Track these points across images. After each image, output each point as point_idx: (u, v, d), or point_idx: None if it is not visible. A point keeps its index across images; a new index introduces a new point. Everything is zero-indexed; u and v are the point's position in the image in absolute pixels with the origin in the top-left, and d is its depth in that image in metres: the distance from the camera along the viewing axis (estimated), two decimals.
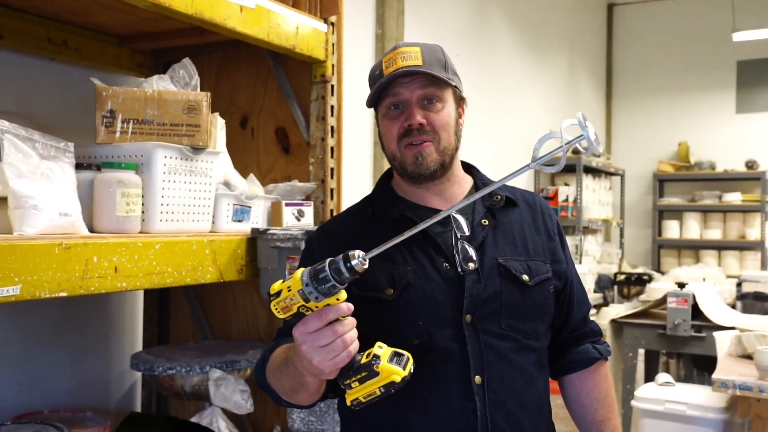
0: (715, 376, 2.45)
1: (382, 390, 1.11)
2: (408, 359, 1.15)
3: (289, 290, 1.08)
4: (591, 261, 6.50)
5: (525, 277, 1.39)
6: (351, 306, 1.11)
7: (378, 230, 1.39)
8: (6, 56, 2.13)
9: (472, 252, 1.36)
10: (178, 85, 1.88)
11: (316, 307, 1.08)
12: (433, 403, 1.30)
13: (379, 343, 1.15)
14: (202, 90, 1.92)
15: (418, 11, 4.21)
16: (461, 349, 1.31)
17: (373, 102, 1.41)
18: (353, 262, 1.06)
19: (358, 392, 1.12)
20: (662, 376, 3.15)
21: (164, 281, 1.65)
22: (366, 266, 1.08)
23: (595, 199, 6.65)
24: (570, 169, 6.32)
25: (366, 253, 1.08)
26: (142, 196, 1.71)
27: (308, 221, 2.16)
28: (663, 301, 3.55)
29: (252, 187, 2.08)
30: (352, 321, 1.12)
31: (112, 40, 2.39)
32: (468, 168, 1.52)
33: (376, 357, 1.12)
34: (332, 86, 2.27)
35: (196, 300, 2.49)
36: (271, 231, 1.88)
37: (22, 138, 1.50)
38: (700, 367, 4.14)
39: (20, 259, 1.32)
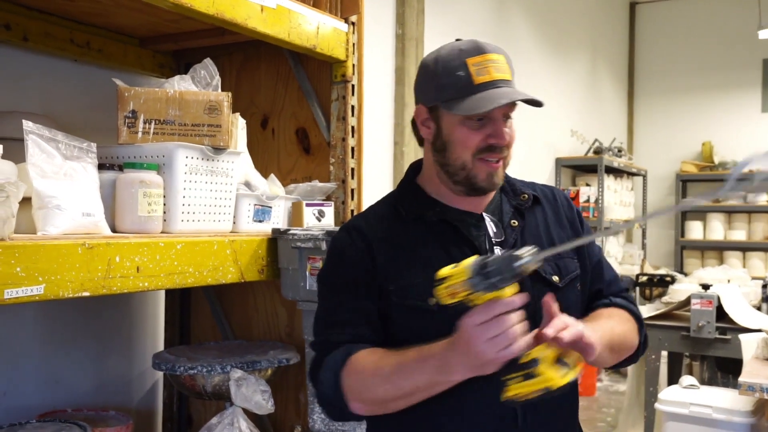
0: (741, 379, 2.41)
1: (539, 392, 1.09)
2: (571, 368, 1.12)
3: (456, 278, 1.08)
4: (613, 262, 6.44)
5: (555, 278, 1.36)
6: (523, 297, 1.09)
7: (414, 232, 1.35)
8: (30, 58, 2.15)
9: None
10: (199, 86, 1.88)
11: (482, 299, 1.08)
12: (467, 407, 1.27)
13: (544, 345, 1.12)
14: (222, 90, 1.92)
15: (438, 11, 4.20)
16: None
17: (446, 102, 1.30)
18: (525, 260, 1.05)
19: (515, 390, 1.10)
20: (687, 379, 3.11)
21: (185, 281, 1.65)
22: (538, 266, 1.10)
23: (617, 200, 6.59)
24: (591, 169, 6.26)
25: (537, 253, 1.07)
26: (164, 196, 1.72)
27: (329, 221, 2.16)
28: (686, 302, 3.50)
29: (273, 188, 2.08)
30: (519, 314, 1.08)
31: (134, 41, 2.40)
32: None
33: (536, 360, 1.10)
34: (353, 86, 2.26)
35: (216, 300, 2.49)
36: (291, 231, 1.88)
37: (45, 138, 1.51)
38: (724, 369, 4.08)
39: (44, 259, 1.33)
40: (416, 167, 1.47)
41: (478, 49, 1.31)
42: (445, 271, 1.10)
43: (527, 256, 1.05)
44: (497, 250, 1.34)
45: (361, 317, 1.32)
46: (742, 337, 3.00)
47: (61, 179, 1.50)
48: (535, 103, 1.32)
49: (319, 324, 1.38)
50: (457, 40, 1.38)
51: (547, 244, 1.39)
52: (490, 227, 1.36)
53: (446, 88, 1.30)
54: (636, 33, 8.12)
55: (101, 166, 1.66)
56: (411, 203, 1.39)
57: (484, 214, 1.38)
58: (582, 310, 1.43)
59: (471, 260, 1.08)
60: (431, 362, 1.16)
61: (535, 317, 1.27)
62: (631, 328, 1.42)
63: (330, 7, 2.23)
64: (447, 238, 1.34)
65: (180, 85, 1.83)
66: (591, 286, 1.46)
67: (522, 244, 1.34)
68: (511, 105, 1.31)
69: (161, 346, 2.56)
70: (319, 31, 2.10)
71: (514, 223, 1.39)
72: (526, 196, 1.43)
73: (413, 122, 1.42)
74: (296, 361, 2.11)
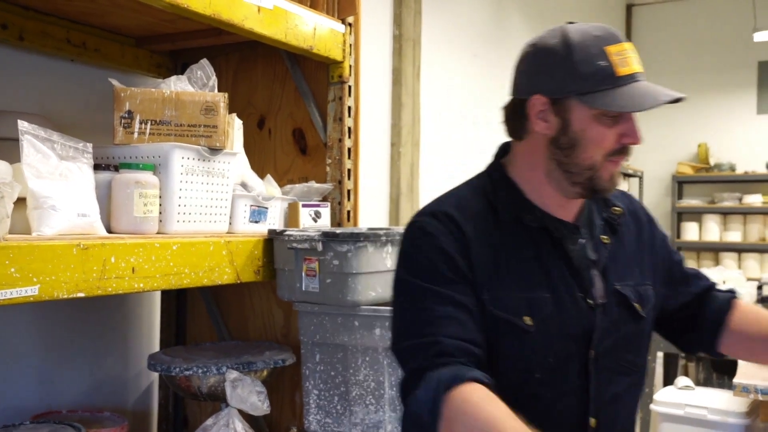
0: (736, 380, 2.41)
1: None
2: None
3: None
4: None
5: (637, 305, 1.29)
6: None
7: (510, 236, 1.23)
8: (26, 57, 2.15)
9: (601, 281, 1.26)
10: (195, 86, 1.88)
11: None
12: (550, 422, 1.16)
13: None
14: (219, 91, 1.92)
15: (436, 11, 4.20)
16: (582, 388, 1.22)
17: (576, 92, 1.17)
18: None
19: None
20: (682, 380, 3.12)
21: (181, 282, 1.65)
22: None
23: None
24: None
25: None
26: (160, 197, 1.72)
27: (325, 222, 2.16)
28: None
29: (269, 188, 2.08)
30: None
31: (131, 41, 2.39)
32: None
33: None
34: (349, 87, 2.26)
35: (213, 301, 2.49)
36: (288, 232, 1.88)
37: (41, 139, 1.51)
38: (719, 370, 4.10)
39: (39, 260, 1.33)
40: (501, 154, 1.35)
41: (614, 37, 1.20)
42: None
43: None
44: (597, 274, 1.26)
45: (467, 314, 1.15)
46: None
47: (56, 179, 1.49)
48: (677, 101, 1.21)
49: (410, 325, 1.18)
50: (570, 23, 1.27)
51: (633, 265, 1.30)
52: (586, 242, 1.27)
53: (585, 78, 1.16)
54: (632, 35, 8.13)
55: (97, 167, 1.65)
56: (506, 203, 1.26)
57: (580, 226, 1.29)
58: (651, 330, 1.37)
59: None
60: None
61: (616, 343, 1.24)
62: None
63: (327, 8, 2.23)
64: (544, 249, 1.24)
65: (176, 85, 1.83)
66: (690, 287, 1.40)
67: (613, 265, 1.27)
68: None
69: (157, 347, 2.55)
70: (315, 32, 2.10)
71: (605, 239, 1.30)
72: (619, 209, 1.33)
73: (509, 112, 1.30)
74: (292, 361, 2.11)
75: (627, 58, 1.17)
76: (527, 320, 1.18)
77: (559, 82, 1.19)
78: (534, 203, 1.26)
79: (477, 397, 1.03)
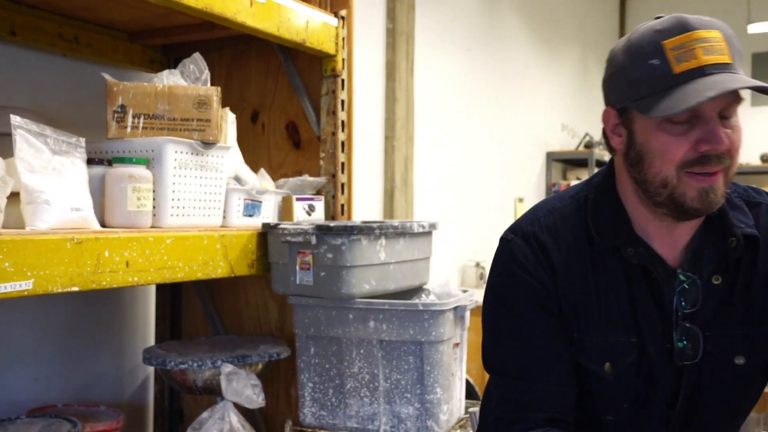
0: None
1: None
2: None
3: None
4: None
5: (740, 359, 1.11)
6: None
7: (605, 271, 1.11)
8: (18, 53, 2.14)
9: (698, 336, 1.09)
10: (188, 80, 1.88)
11: None
12: None
13: None
14: (212, 85, 1.92)
15: (429, 5, 4.20)
16: None
17: (636, 101, 1.02)
18: None
19: None
20: None
21: (175, 276, 1.65)
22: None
23: None
24: (582, 163, 6.29)
25: None
26: (153, 191, 1.72)
27: (319, 216, 2.16)
28: None
29: (263, 182, 2.08)
30: None
31: (123, 35, 2.39)
32: None
33: None
34: (342, 80, 2.26)
35: (207, 295, 2.49)
36: (282, 226, 1.88)
37: (33, 133, 1.50)
38: None
39: (32, 254, 1.33)
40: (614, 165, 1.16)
41: (680, 27, 1.03)
42: None
43: None
44: (692, 329, 1.10)
45: (564, 361, 1.11)
46: None
47: (49, 174, 1.49)
48: (764, 90, 1.01)
49: (506, 355, 1.15)
50: (658, 17, 1.10)
51: (746, 316, 1.09)
52: (689, 286, 1.09)
53: (637, 83, 1.03)
54: (626, 28, 8.14)
55: (90, 161, 1.66)
56: (607, 228, 1.12)
57: (679, 271, 1.10)
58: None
59: None
60: None
61: (706, 401, 1.09)
62: None
63: (320, 1, 2.23)
64: (639, 291, 1.11)
65: (169, 79, 1.83)
66: None
67: (719, 311, 1.08)
68: (732, 99, 1.01)
69: (152, 342, 2.56)
70: (308, 25, 2.10)
71: (716, 280, 1.10)
72: (735, 240, 1.10)
73: (604, 130, 1.15)
74: (287, 355, 2.12)
75: (692, 50, 0.99)
76: (607, 367, 1.10)
77: (619, 91, 1.07)
78: (637, 232, 1.12)
79: None
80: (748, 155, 7.37)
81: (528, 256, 1.14)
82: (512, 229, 1.19)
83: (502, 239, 1.21)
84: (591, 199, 1.16)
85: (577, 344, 1.11)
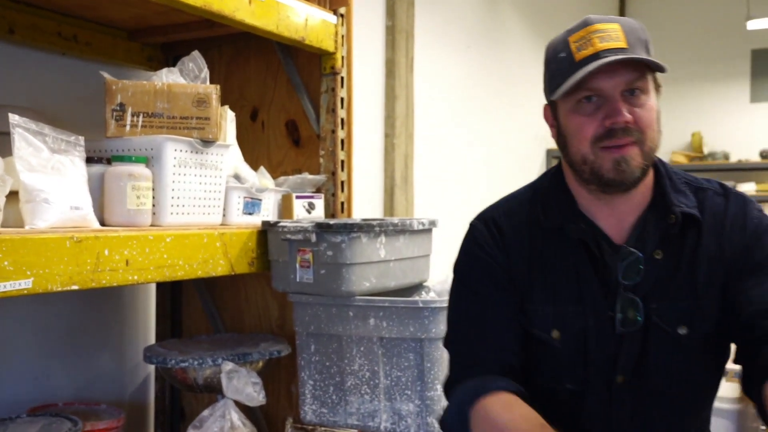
0: (728, 366, 2.43)
1: None
2: None
3: None
4: None
5: (683, 329, 1.17)
6: None
7: (551, 247, 1.23)
8: (17, 51, 2.14)
9: (638, 303, 1.17)
10: (187, 78, 1.88)
11: None
12: None
13: None
14: (212, 83, 1.92)
15: (429, 3, 4.19)
16: (606, 409, 1.19)
17: (553, 90, 1.17)
18: None
19: None
20: None
21: (175, 274, 1.65)
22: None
23: None
24: None
25: None
26: (153, 190, 1.72)
27: (319, 213, 2.16)
28: None
29: (262, 180, 2.08)
30: None
31: (122, 34, 2.39)
32: (658, 168, 1.27)
33: None
34: (342, 78, 2.26)
35: (207, 293, 2.49)
36: (281, 224, 1.88)
37: (32, 132, 1.50)
38: None
39: (32, 253, 1.33)
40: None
41: (583, 23, 1.16)
42: None
43: None
44: (633, 299, 1.17)
45: (507, 328, 1.22)
46: None
47: (48, 173, 1.49)
48: (655, 66, 1.13)
49: (457, 325, 1.28)
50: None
51: (689, 290, 1.16)
52: (632, 260, 1.18)
53: (553, 76, 1.17)
54: None
55: (89, 160, 1.65)
56: (554, 209, 1.25)
57: (624, 247, 1.19)
58: (719, 365, 1.25)
59: None
60: None
61: (648, 369, 1.15)
62: None
63: None
64: (582, 264, 1.21)
65: (168, 77, 1.83)
66: (755, 331, 1.14)
67: (660, 284, 1.16)
68: (634, 77, 1.11)
69: (153, 340, 2.56)
70: (307, 22, 2.10)
71: (657, 254, 1.18)
72: (674, 217, 1.19)
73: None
74: (287, 353, 2.12)
75: (589, 40, 1.12)
76: (555, 335, 1.20)
77: (545, 88, 1.21)
78: (583, 212, 1.23)
79: (497, 407, 1.10)
80: (747, 151, 7.37)
81: (486, 238, 1.28)
82: (478, 216, 1.35)
83: (469, 224, 1.36)
84: (545, 186, 1.30)
85: (528, 314, 1.22)
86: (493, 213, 1.32)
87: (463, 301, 1.29)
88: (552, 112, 1.23)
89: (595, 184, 1.18)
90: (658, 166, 1.26)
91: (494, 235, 1.28)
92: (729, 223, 1.21)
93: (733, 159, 7.41)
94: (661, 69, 1.15)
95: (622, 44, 1.11)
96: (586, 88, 1.13)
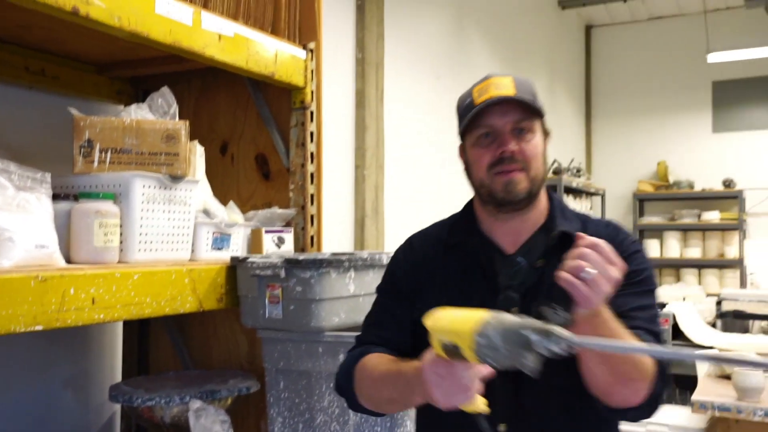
0: (694, 397, 2.46)
1: None
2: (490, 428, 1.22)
3: (463, 341, 1.04)
4: None
5: (560, 328, 1.27)
6: (487, 373, 1.12)
7: (452, 261, 1.43)
8: None
9: (516, 300, 1.34)
10: (156, 114, 1.88)
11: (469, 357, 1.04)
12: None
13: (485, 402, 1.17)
14: (181, 117, 1.92)
15: (398, 35, 4.25)
16: (490, 395, 1.22)
17: (462, 131, 1.41)
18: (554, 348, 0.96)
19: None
20: None
21: (143, 312, 1.63)
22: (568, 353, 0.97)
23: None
24: (551, 189, 6.36)
25: (572, 338, 0.97)
26: (121, 226, 1.70)
27: (288, 248, 2.16)
28: None
29: (231, 215, 2.08)
30: (477, 372, 1.11)
31: (91, 68, 2.38)
32: (551, 198, 1.47)
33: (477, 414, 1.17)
34: (311, 113, 2.28)
35: (176, 329, 2.46)
36: (250, 259, 1.87)
37: None
38: (681, 386, 4.16)
39: None
40: None
41: (485, 78, 1.40)
42: (460, 323, 1.07)
43: (559, 344, 0.94)
44: (511, 298, 1.35)
45: (393, 322, 1.47)
46: None
47: (13, 211, 1.48)
48: (531, 109, 1.36)
49: (364, 321, 1.54)
50: None
51: (564, 294, 1.21)
52: (519, 268, 1.37)
53: (461, 117, 1.41)
54: (592, 55, 8.31)
55: (56, 196, 1.64)
56: (458, 229, 1.47)
57: (513, 256, 1.39)
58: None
59: (488, 323, 1.01)
60: (402, 380, 1.26)
61: (522, 382, 1.24)
62: (650, 362, 1.24)
63: (288, 34, 2.25)
64: (474, 271, 1.41)
65: (137, 113, 1.82)
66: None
67: (542, 289, 1.32)
68: (521, 118, 1.35)
69: (119, 377, 2.52)
70: (277, 58, 2.12)
71: (539, 263, 1.37)
72: (555, 235, 1.38)
73: None
74: (256, 389, 2.10)
75: (486, 87, 1.36)
76: None
77: (459, 129, 1.43)
78: (482, 230, 1.45)
79: (369, 360, 1.40)
80: (710, 180, 7.53)
81: (400, 255, 1.53)
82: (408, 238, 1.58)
83: None
84: (458, 212, 1.53)
85: (419, 314, 1.30)
86: (414, 236, 1.56)
87: (375, 304, 1.54)
88: (462, 149, 1.45)
89: (491, 204, 1.39)
90: (554, 200, 1.46)
91: (406, 253, 1.52)
92: (618, 249, 1.33)
93: (698, 187, 7.56)
94: (539, 112, 1.38)
95: (511, 92, 1.35)
96: (483, 125, 1.36)
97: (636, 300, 1.32)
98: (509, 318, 1.01)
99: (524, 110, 1.35)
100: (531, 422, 1.34)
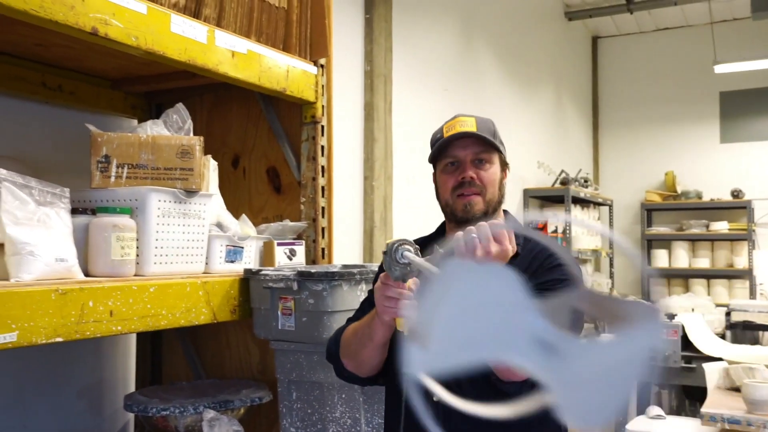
0: (703, 409, 2.47)
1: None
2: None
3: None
4: None
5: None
6: (407, 284, 1.36)
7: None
8: (1, 101, 2.17)
9: None
10: (171, 130, 1.92)
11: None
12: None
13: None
14: (194, 131, 1.96)
15: (406, 48, 4.29)
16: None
17: (433, 159, 1.66)
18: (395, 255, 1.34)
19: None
20: (653, 409, 3.17)
21: (158, 324, 1.67)
22: (403, 261, 1.34)
23: (584, 230, 6.70)
24: (558, 200, 6.37)
25: (412, 254, 1.31)
26: (137, 240, 1.74)
27: (300, 260, 2.19)
28: None
29: (244, 228, 2.11)
30: (403, 292, 1.36)
31: (106, 83, 2.43)
32: (507, 216, 1.72)
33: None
34: (322, 127, 2.31)
35: (189, 339, 2.50)
36: (263, 272, 1.90)
37: (19, 185, 1.53)
38: (692, 397, 4.16)
39: (17, 306, 1.34)
40: None
41: (454, 117, 1.64)
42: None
43: (400, 251, 1.33)
44: None
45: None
46: (705, 366, 3.07)
47: (34, 225, 1.51)
48: (488, 143, 1.59)
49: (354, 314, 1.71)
50: None
51: None
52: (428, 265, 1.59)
53: (432, 147, 1.65)
54: (599, 66, 8.33)
55: (74, 211, 1.68)
56: (431, 240, 1.66)
57: None
58: None
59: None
60: (368, 317, 1.48)
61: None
62: None
63: (299, 51, 2.29)
64: None
65: (153, 129, 1.86)
66: None
67: None
68: (480, 150, 1.60)
69: (133, 387, 2.55)
70: (289, 74, 2.15)
71: None
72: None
73: None
74: (269, 399, 2.13)
75: (453, 125, 1.61)
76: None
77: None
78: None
79: (353, 324, 1.58)
80: (719, 191, 7.53)
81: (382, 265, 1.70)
82: None
83: None
84: (435, 229, 1.74)
85: None
86: None
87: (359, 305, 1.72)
88: (434, 175, 1.69)
89: (453, 221, 1.62)
90: (509, 220, 1.71)
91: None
92: (534, 257, 1.59)
93: (706, 197, 7.55)
94: (495, 147, 1.60)
95: (473, 129, 1.59)
96: (449, 155, 1.61)
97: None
98: (401, 240, 1.36)
99: (483, 144, 1.59)
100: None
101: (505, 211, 1.72)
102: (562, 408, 0.56)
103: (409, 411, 1.51)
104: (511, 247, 1.34)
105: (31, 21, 1.48)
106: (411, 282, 1.37)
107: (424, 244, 1.62)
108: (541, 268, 1.58)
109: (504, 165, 1.66)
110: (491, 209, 1.61)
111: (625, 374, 0.54)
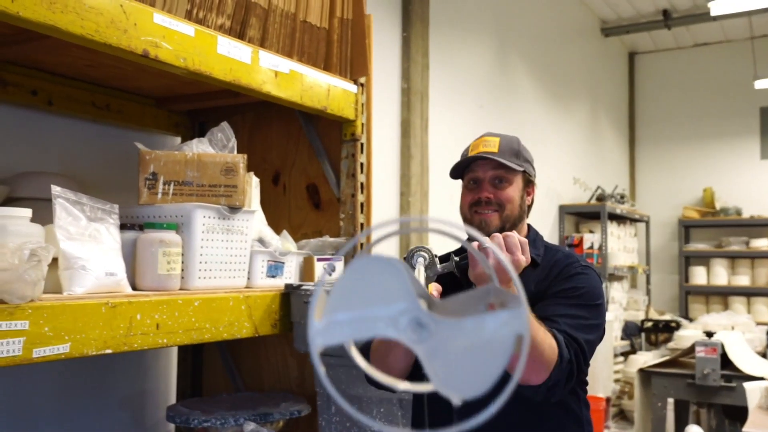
0: (745, 429, 2.44)
1: None
2: None
3: None
4: (617, 308, 6.46)
5: None
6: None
7: (447, 276, 1.64)
8: (54, 120, 2.25)
9: None
10: (216, 148, 1.97)
11: None
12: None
13: None
14: (236, 148, 2.01)
15: (442, 65, 4.32)
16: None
17: (458, 175, 1.74)
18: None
19: None
20: (692, 428, 3.13)
21: (202, 337, 1.71)
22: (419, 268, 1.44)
23: (621, 246, 6.64)
24: (594, 216, 6.33)
25: (422, 262, 1.45)
26: (182, 255, 1.79)
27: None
28: (691, 349, 3.53)
29: (285, 244, 2.15)
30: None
31: (151, 101, 2.50)
32: (529, 230, 1.76)
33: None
34: (362, 144, 2.35)
35: (228, 352, 2.54)
36: (304, 287, 1.94)
37: (71, 202, 1.59)
38: (731, 417, 4.09)
39: (70, 318, 1.39)
40: None
41: (483, 135, 1.71)
42: None
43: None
44: None
45: None
46: (746, 385, 3.03)
47: (86, 241, 1.57)
48: (503, 166, 1.65)
49: None
50: None
51: (531, 303, 1.58)
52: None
53: (458, 166, 1.73)
54: (636, 82, 8.28)
55: (123, 226, 1.73)
56: (455, 252, 1.70)
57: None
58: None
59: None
60: None
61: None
62: (552, 345, 1.43)
63: (340, 70, 2.33)
64: (453, 286, 1.59)
65: (198, 147, 1.91)
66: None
67: None
68: (501, 172, 1.67)
69: (173, 399, 2.60)
70: (329, 93, 2.20)
71: None
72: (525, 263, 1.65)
73: None
74: (308, 412, 2.15)
75: (478, 144, 1.69)
76: None
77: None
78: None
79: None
80: (759, 207, 7.40)
81: None
82: None
83: None
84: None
85: None
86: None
87: None
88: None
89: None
90: (531, 232, 1.75)
91: None
92: (552, 266, 1.67)
93: (746, 215, 7.43)
94: (511, 168, 1.65)
95: (494, 150, 1.67)
96: (471, 174, 1.69)
97: (565, 309, 1.56)
98: (418, 247, 1.50)
99: (502, 165, 1.66)
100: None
101: (528, 225, 1.77)
102: (437, 380, 0.65)
103: (433, 413, 1.58)
104: (524, 258, 1.40)
105: (87, 45, 1.54)
106: (431, 287, 1.40)
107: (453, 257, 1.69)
108: (560, 276, 1.64)
109: (528, 182, 1.72)
110: (509, 224, 1.67)
111: (492, 351, 0.63)
